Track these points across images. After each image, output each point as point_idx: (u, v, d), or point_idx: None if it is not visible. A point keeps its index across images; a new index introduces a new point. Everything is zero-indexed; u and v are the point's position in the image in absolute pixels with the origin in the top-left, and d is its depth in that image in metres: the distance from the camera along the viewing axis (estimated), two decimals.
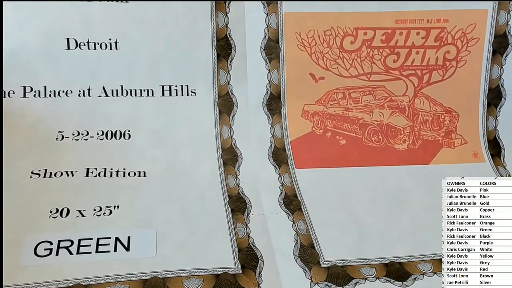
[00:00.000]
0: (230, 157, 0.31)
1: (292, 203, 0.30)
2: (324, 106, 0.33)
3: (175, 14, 0.31)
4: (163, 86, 0.32)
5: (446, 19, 0.33)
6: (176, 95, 0.32)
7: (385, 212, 0.29)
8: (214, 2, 0.31)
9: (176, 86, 0.32)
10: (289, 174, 0.31)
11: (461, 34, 0.34)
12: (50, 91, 0.31)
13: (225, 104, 0.32)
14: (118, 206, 0.27)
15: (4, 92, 0.30)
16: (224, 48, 0.32)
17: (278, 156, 0.32)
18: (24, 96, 0.30)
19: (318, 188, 0.31)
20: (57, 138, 0.30)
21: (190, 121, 0.32)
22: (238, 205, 0.29)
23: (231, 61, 0.32)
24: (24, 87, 0.30)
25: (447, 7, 0.33)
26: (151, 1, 0.31)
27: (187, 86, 0.32)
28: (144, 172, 0.29)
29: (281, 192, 0.30)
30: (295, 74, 0.33)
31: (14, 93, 0.30)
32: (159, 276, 0.24)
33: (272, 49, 0.33)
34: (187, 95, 0.32)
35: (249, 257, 0.25)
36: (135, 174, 0.29)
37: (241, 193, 0.30)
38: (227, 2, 0.32)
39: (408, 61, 0.34)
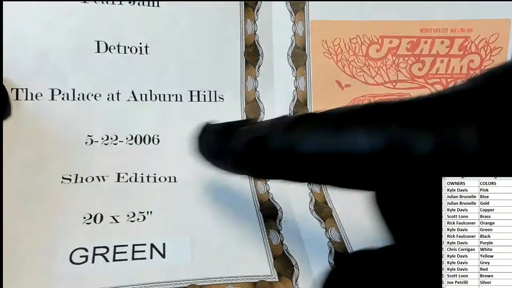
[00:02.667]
0: None
1: (323, 210, 0.30)
2: None
3: (205, 21, 0.31)
4: (191, 91, 0.32)
5: (470, 28, 0.34)
6: (204, 100, 0.32)
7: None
8: (243, 9, 0.31)
9: (204, 91, 0.32)
10: None
11: (484, 44, 0.34)
12: (79, 94, 0.30)
13: (252, 110, 0.33)
14: (151, 212, 0.27)
15: (32, 94, 0.30)
16: (252, 54, 0.32)
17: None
18: (52, 99, 0.30)
19: (347, 195, 0.31)
20: (86, 142, 0.30)
21: None
22: (269, 211, 0.29)
23: (258, 67, 0.33)
24: (52, 90, 0.30)
25: (470, 17, 0.33)
26: (183, 0, 0.30)
27: (215, 91, 0.32)
28: (175, 177, 0.29)
29: (311, 199, 0.30)
30: (321, 82, 0.33)
31: (42, 95, 0.30)
32: (196, 283, 0.24)
33: (298, 57, 0.33)
34: (215, 100, 0.32)
35: (285, 265, 0.26)
36: (165, 179, 0.29)
37: (271, 200, 0.30)
38: (256, 10, 0.32)
39: (433, 69, 0.34)
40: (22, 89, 0.30)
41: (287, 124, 0.18)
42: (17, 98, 0.30)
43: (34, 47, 0.30)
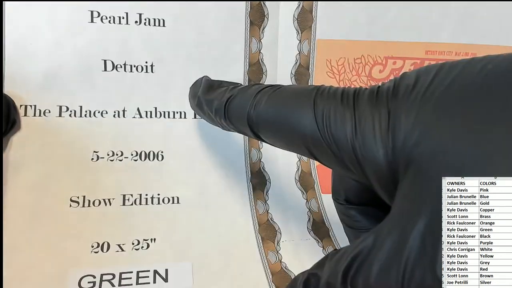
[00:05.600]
0: (258, 181, 0.32)
1: (320, 229, 0.30)
2: None
3: (210, 39, 0.32)
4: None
5: (474, 52, 0.34)
6: None
7: None
8: (249, 28, 0.32)
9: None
10: (316, 199, 0.32)
11: None
12: (86, 111, 0.31)
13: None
14: (154, 239, 0.28)
15: (40, 110, 0.31)
16: (255, 73, 0.33)
17: (305, 181, 0.33)
18: (60, 115, 0.31)
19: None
20: (92, 159, 0.30)
21: (220, 143, 0.32)
22: (268, 233, 0.30)
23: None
24: (60, 107, 0.31)
25: (476, 41, 0.34)
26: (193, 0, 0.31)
27: None
28: (178, 198, 0.30)
29: (309, 218, 0.31)
30: None
31: (50, 112, 0.31)
32: None
33: (302, 76, 0.33)
34: None
35: (283, 279, 0.26)
36: (169, 200, 0.30)
37: (270, 220, 0.30)
38: (261, 28, 0.32)
39: None
40: (31, 105, 0.31)
41: (254, 91, 0.22)
42: (25, 115, 0.30)
43: (43, 65, 0.31)
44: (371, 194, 0.19)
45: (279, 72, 0.33)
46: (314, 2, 0.32)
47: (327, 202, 0.32)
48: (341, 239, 0.30)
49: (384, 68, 0.34)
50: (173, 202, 0.30)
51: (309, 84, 0.34)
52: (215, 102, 0.24)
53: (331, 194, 0.24)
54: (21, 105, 0.30)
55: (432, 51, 0.34)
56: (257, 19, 0.32)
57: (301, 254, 0.29)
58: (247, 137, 0.33)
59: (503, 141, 0.14)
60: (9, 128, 0.29)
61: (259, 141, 0.33)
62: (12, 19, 0.30)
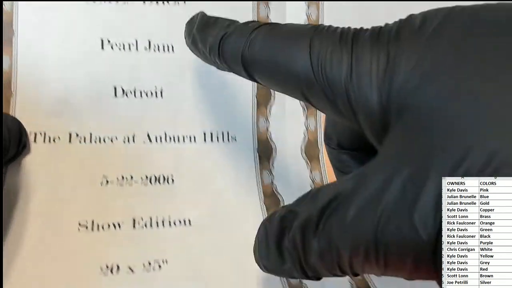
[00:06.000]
0: (272, 203, 0.31)
1: None
2: None
3: None
4: (205, 133, 0.32)
5: None
6: (217, 141, 0.32)
7: None
8: None
9: (217, 132, 0.33)
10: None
11: None
12: (96, 137, 0.31)
13: (265, 150, 0.33)
14: (166, 261, 0.28)
15: (49, 137, 0.31)
16: (264, 96, 0.33)
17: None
18: (70, 141, 0.31)
19: None
20: (101, 183, 0.30)
21: (231, 166, 0.32)
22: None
23: (270, 108, 0.33)
24: (70, 133, 0.31)
25: None
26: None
27: (228, 132, 0.33)
28: (189, 220, 0.30)
29: None
30: None
31: (59, 138, 0.31)
32: None
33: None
34: (228, 141, 0.33)
35: None
36: (180, 222, 0.29)
37: None
38: None
39: None
40: (41, 132, 0.31)
41: (249, 29, 0.21)
42: (35, 141, 0.30)
43: (54, 92, 0.31)
44: (363, 139, 0.19)
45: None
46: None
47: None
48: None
49: None
50: (184, 224, 0.29)
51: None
52: (210, 39, 0.23)
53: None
54: (30, 132, 0.30)
55: None
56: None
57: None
58: (257, 159, 0.33)
59: (505, 94, 0.13)
60: (20, 151, 0.29)
61: (271, 163, 0.33)
62: (23, 46, 0.30)
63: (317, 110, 0.34)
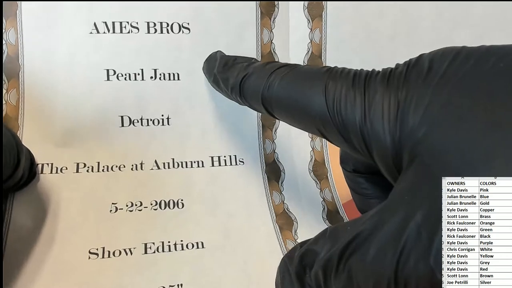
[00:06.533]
0: (285, 222, 0.31)
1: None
2: None
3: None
4: (212, 157, 0.32)
5: None
6: (225, 164, 0.32)
7: None
8: None
9: (225, 156, 0.33)
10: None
11: None
12: (104, 166, 0.31)
13: (272, 171, 0.33)
14: (181, 285, 0.27)
15: (57, 168, 0.30)
16: (269, 118, 0.34)
17: (333, 220, 0.32)
18: (77, 171, 0.30)
19: None
20: (111, 210, 0.29)
21: (240, 188, 0.32)
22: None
23: (275, 130, 0.34)
24: (77, 164, 0.31)
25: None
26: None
27: (235, 156, 0.33)
28: (202, 243, 0.29)
29: None
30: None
31: (67, 169, 0.30)
32: None
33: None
34: (236, 164, 0.33)
35: None
36: (193, 245, 0.29)
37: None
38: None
39: None
40: (48, 163, 0.30)
41: (268, 71, 0.22)
42: (42, 172, 0.30)
43: (61, 123, 0.31)
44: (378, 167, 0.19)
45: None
46: (322, 47, 0.34)
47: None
48: None
49: None
50: (197, 247, 0.29)
51: None
52: (231, 80, 0.25)
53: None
54: (37, 163, 0.30)
55: None
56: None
57: None
58: (266, 180, 0.32)
59: (505, 145, 0.14)
60: (29, 180, 0.28)
61: (280, 183, 0.32)
62: (29, 79, 0.31)
63: None
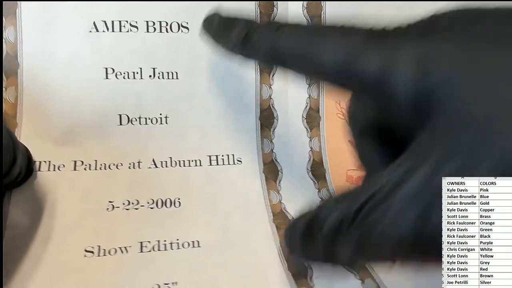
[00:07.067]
0: (282, 221, 0.31)
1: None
2: None
3: (222, 89, 0.33)
4: (210, 156, 0.32)
5: None
6: (223, 164, 0.32)
7: None
8: (259, 75, 0.33)
9: (222, 155, 0.33)
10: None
11: None
12: (101, 164, 0.31)
13: (270, 171, 0.33)
14: (176, 283, 0.27)
15: (54, 166, 0.30)
16: (267, 118, 0.34)
17: None
18: (74, 169, 0.30)
19: None
20: (107, 209, 0.29)
21: (238, 188, 0.32)
22: (298, 270, 0.28)
23: (273, 130, 0.34)
24: (75, 162, 0.31)
25: None
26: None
27: (233, 155, 0.33)
28: (198, 242, 0.29)
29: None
30: (335, 142, 0.34)
31: (64, 166, 0.30)
32: None
33: (313, 118, 0.34)
34: (233, 163, 0.33)
35: None
36: (189, 244, 0.29)
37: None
38: (271, 74, 0.34)
39: None
40: (45, 161, 0.30)
41: (275, 26, 0.21)
42: (39, 169, 0.30)
43: (59, 122, 0.31)
44: (387, 132, 0.19)
45: (290, 116, 0.34)
46: None
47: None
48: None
49: None
50: (193, 246, 0.29)
51: (319, 126, 0.34)
52: (233, 36, 0.23)
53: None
54: (35, 161, 0.30)
55: None
56: (266, 67, 0.34)
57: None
58: (264, 180, 0.32)
59: None
60: (27, 177, 0.28)
61: (278, 182, 0.32)
62: (28, 77, 0.31)
63: (321, 131, 0.34)
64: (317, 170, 0.33)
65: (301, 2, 0.34)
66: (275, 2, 0.34)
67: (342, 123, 0.34)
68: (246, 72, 0.33)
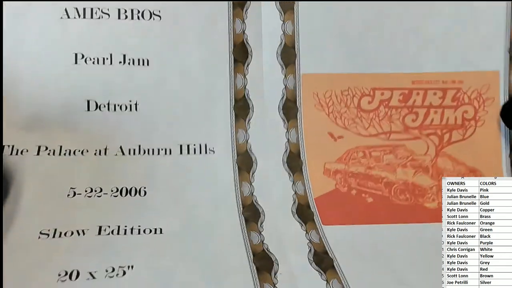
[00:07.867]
0: (251, 214, 0.29)
1: (323, 260, 0.27)
2: (346, 164, 0.32)
3: (194, 77, 0.32)
4: (181, 145, 0.31)
5: (460, 80, 0.34)
6: (194, 153, 0.31)
7: (426, 268, 0.26)
8: (233, 64, 0.32)
9: (194, 144, 0.31)
10: (316, 231, 0.29)
11: (476, 95, 0.34)
12: (66, 150, 0.30)
13: (244, 162, 0.31)
14: (132, 266, 0.25)
15: (17, 150, 0.29)
16: (242, 108, 0.32)
17: (303, 213, 0.30)
18: (38, 154, 0.29)
19: (350, 245, 0.28)
20: (68, 195, 0.28)
21: (208, 178, 0.30)
22: (263, 263, 0.26)
23: (249, 120, 0.32)
24: (39, 146, 0.30)
25: (460, 69, 0.34)
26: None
27: (206, 144, 0.31)
28: (161, 229, 0.27)
29: (310, 249, 0.28)
30: (313, 133, 0.33)
31: (27, 151, 0.29)
32: None
33: (290, 109, 0.33)
34: (206, 153, 0.31)
35: None
36: (151, 231, 0.27)
37: (266, 250, 0.27)
38: (246, 64, 0.32)
39: (427, 120, 0.34)
40: (8, 145, 0.29)
41: None
42: (2, 153, 0.29)
43: (25, 107, 0.30)
44: None
45: (266, 106, 0.32)
46: (296, 38, 0.33)
47: (329, 233, 0.29)
48: (348, 271, 0.26)
49: (373, 99, 0.34)
50: (155, 233, 0.27)
51: (297, 117, 0.33)
52: None
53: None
54: None
55: (419, 81, 0.34)
56: (241, 57, 0.33)
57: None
58: (237, 171, 0.31)
59: None
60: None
61: (251, 174, 0.31)
62: None
63: (298, 123, 0.33)
64: (293, 162, 0.32)
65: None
66: None
67: (320, 115, 0.33)
68: (219, 61, 0.32)
